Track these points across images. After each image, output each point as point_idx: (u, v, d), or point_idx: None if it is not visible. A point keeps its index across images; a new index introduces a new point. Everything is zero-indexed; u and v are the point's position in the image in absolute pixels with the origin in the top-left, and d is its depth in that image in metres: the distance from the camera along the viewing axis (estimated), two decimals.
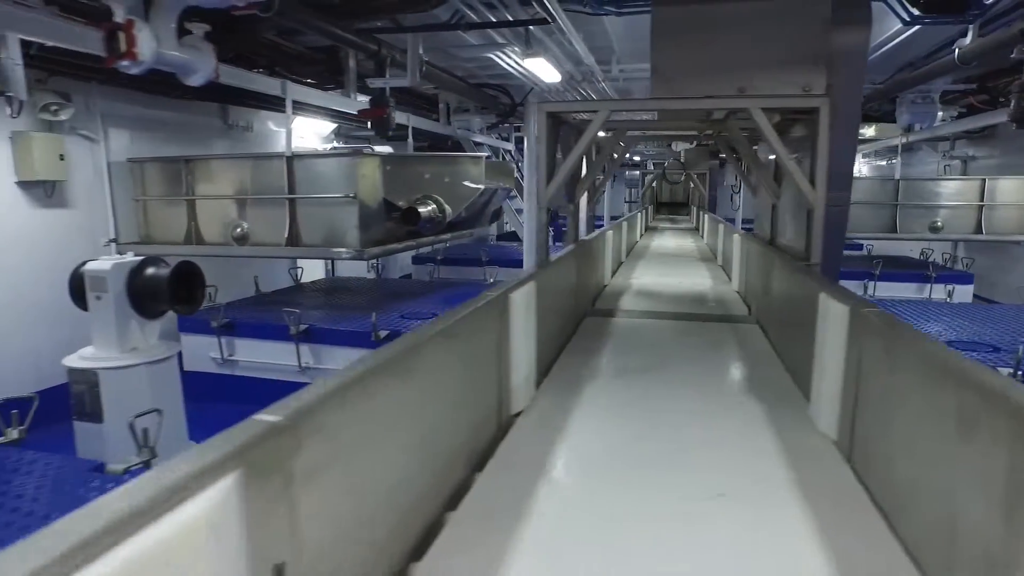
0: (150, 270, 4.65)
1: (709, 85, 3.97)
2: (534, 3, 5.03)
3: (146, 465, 3.22)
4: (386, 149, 9.08)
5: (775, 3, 3.85)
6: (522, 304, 2.90)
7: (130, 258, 4.63)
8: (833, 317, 2.66)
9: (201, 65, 3.87)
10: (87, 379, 4.43)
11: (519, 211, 13.60)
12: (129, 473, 3.04)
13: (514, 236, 16.14)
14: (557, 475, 2.34)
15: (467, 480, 2.28)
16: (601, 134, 5.43)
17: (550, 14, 4.88)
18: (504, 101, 9.12)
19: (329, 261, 10.79)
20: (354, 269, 11.15)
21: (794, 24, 3.84)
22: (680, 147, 13.45)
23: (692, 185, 17.47)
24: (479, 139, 11.18)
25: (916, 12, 4.94)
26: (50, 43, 4.06)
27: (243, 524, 1.06)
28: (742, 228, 8.92)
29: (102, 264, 4.50)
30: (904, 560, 1.78)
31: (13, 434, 3.34)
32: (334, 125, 9.92)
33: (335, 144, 10.58)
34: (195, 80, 4.01)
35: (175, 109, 7.49)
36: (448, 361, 2.13)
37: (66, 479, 2.92)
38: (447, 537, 1.90)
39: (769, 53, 3.90)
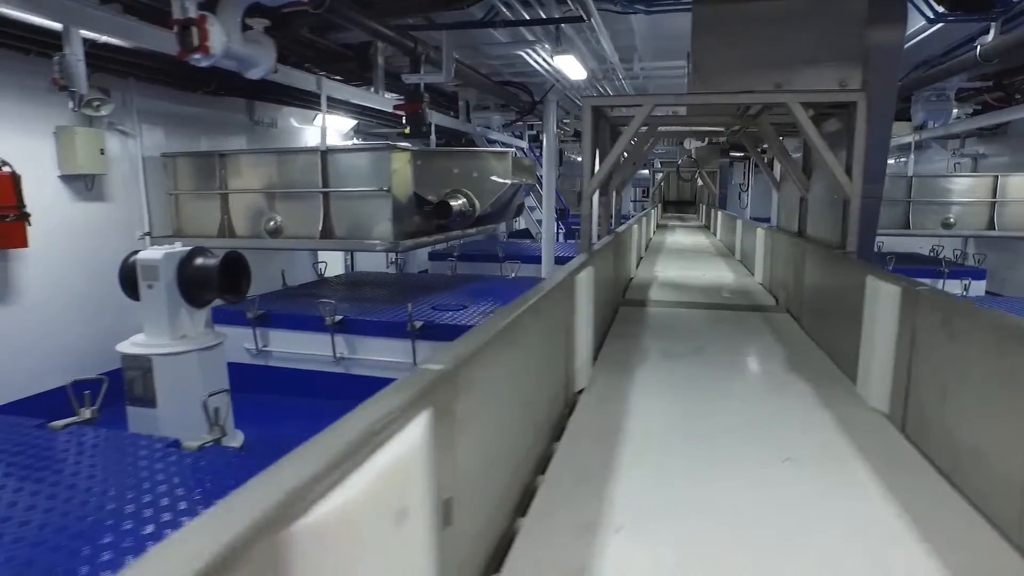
0: (199, 260, 4.78)
1: (747, 80, 4.12)
2: (569, 1, 5.17)
3: (217, 443, 3.36)
4: (405, 146, 9.23)
5: (812, 1, 4.00)
6: (584, 286, 3.05)
7: (179, 248, 4.76)
8: (884, 297, 2.80)
9: (263, 59, 4.01)
10: (141, 365, 4.57)
11: (531, 208, 13.76)
12: (203, 449, 3.18)
13: (525, 234, 16.29)
14: (631, 445, 2.48)
15: (547, 450, 2.42)
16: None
17: (586, 11, 5.02)
18: (523, 98, 9.26)
19: (348, 256, 10.94)
20: (372, 264, 11.29)
21: (830, 21, 3.99)
22: (691, 145, 13.58)
23: (700, 183, 17.63)
24: (494, 136, 11.33)
25: (941, 10, 5.08)
26: (113, 41, 4.19)
27: (432, 457, 1.20)
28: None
29: (154, 253, 4.63)
30: (970, 511, 1.93)
31: (86, 414, 3.47)
32: (354, 122, 10.04)
33: (355, 140, 10.71)
34: (255, 73, 4.14)
35: (204, 105, 7.63)
36: (535, 337, 2.28)
37: (147, 454, 3.06)
38: (544, 496, 2.05)
39: (806, 49, 4.04)
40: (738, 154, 14.54)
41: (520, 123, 12.13)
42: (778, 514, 1.97)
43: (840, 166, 3.97)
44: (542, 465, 2.29)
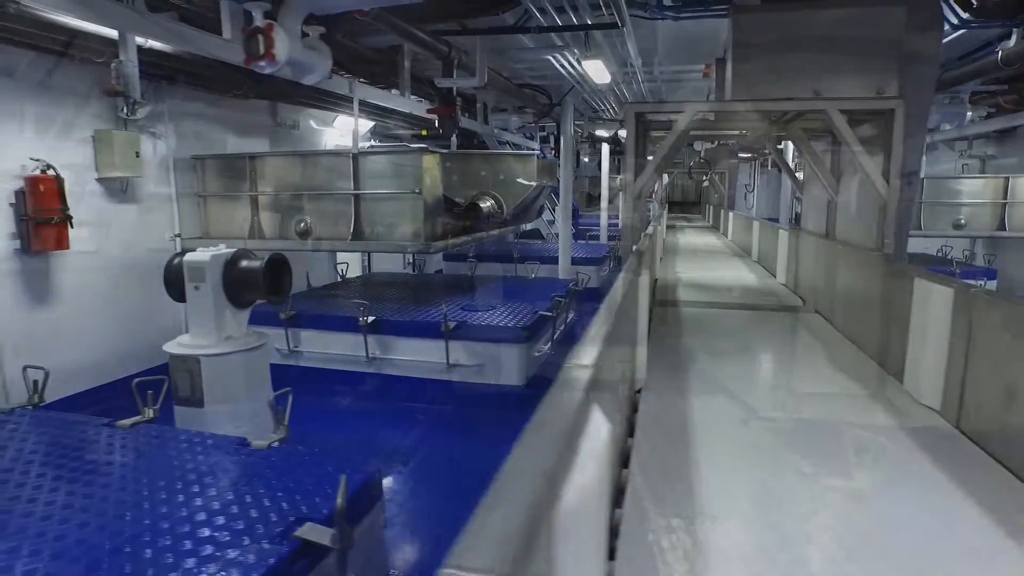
0: (244, 262, 4.85)
1: (785, 87, 4.24)
2: (603, 8, 5.26)
3: (281, 442, 3.44)
4: (435, 149, 9.33)
5: (851, 10, 4.11)
6: (644, 288, 3.15)
7: (224, 250, 4.84)
8: (935, 298, 2.91)
9: (319, 65, 4.10)
10: (188, 366, 4.64)
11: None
12: (271, 448, 3.26)
13: (534, 235, 16.39)
14: (701, 440, 2.59)
15: (625, 445, 2.53)
16: (661, 133, 5.68)
17: (622, 19, 5.11)
18: (542, 101, 9.36)
19: (366, 257, 11.01)
20: (388, 265, 11.36)
21: (868, 30, 4.11)
22: (701, 147, 13.70)
23: (706, 184, 17.76)
24: (506, 137, 11.43)
25: (966, 15, 5.20)
26: (156, 45, 4.27)
27: (610, 448, 1.30)
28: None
29: (201, 255, 4.71)
30: None
31: (149, 413, 3.56)
32: (372, 123, 10.11)
33: (372, 141, 10.78)
34: (310, 79, 4.23)
35: (229, 108, 7.69)
36: (619, 336, 2.38)
37: (217, 453, 3.15)
38: (634, 489, 2.15)
39: (843, 58, 4.16)
40: (746, 155, 14.68)
41: (533, 125, 12.25)
42: (857, 502, 2.08)
43: (877, 170, 4.09)
44: (623, 459, 2.39)
